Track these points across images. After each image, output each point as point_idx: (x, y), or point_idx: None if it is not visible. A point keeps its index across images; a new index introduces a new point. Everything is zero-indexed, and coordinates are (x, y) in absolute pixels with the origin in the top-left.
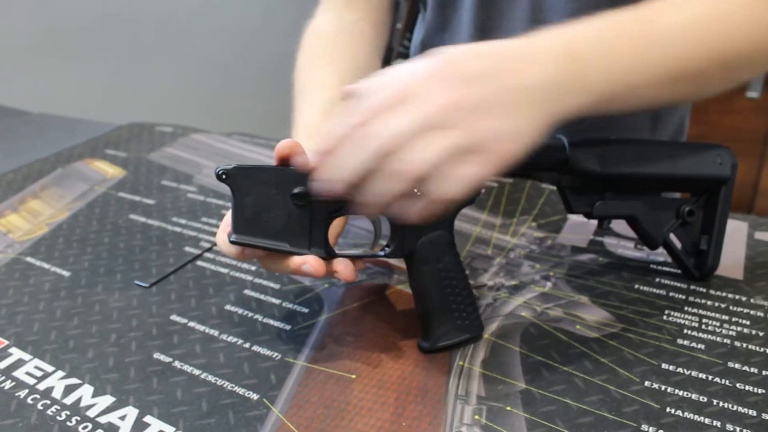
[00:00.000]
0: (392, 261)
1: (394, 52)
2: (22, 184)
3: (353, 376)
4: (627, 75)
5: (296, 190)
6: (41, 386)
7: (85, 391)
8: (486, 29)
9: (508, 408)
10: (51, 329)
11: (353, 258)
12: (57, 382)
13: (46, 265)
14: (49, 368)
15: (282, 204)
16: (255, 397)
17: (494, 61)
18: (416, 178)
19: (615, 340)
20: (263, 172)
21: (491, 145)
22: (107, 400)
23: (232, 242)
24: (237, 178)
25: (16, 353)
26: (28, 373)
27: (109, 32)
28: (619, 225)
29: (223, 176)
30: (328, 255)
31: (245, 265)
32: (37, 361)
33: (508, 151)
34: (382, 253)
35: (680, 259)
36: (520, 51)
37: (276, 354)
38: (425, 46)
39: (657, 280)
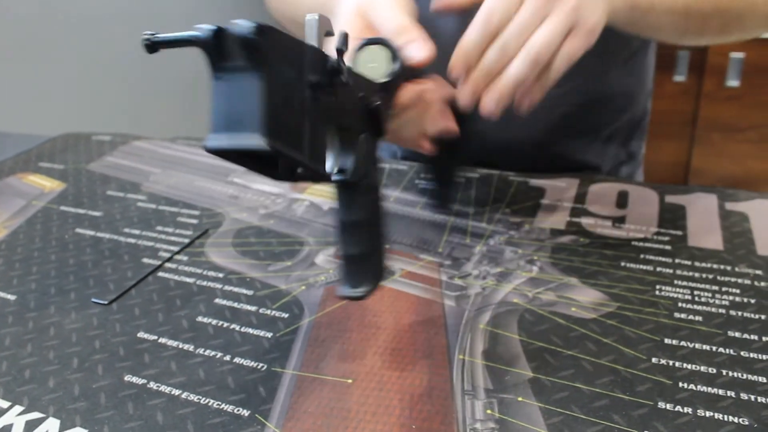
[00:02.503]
0: None
1: None
2: None
3: (350, 381)
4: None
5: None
6: None
7: (51, 426)
8: None
9: (520, 399)
10: (1, 360)
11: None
12: (16, 419)
13: None
14: (4, 404)
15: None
16: (246, 413)
17: None
18: (541, 61)
19: (613, 319)
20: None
21: (585, 21)
22: None
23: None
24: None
25: None
26: None
27: (25, 39)
28: (595, 205)
29: (254, 36)
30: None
31: (212, 273)
32: None
33: (597, 25)
34: (339, 178)
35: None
36: None
37: (261, 365)
38: None
39: (642, 256)
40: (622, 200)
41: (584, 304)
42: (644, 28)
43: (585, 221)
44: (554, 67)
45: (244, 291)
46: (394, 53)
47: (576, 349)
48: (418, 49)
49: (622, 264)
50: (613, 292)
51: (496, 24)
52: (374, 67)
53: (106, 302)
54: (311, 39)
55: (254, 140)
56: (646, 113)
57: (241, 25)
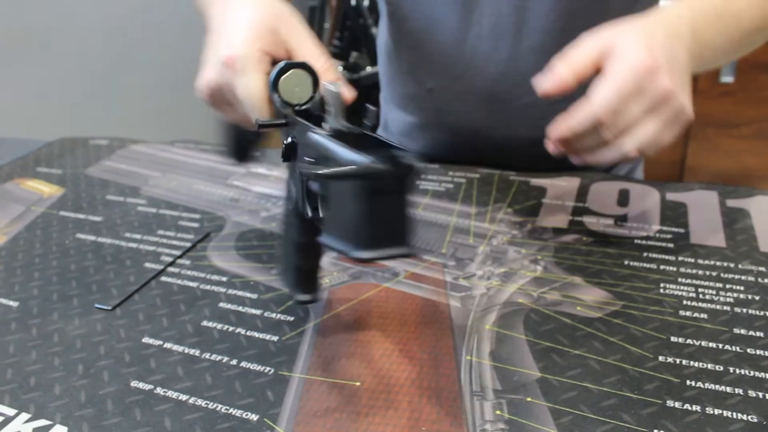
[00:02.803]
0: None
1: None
2: None
3: (358, 383)
4: (720, 43)
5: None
6: None
7: None
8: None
9: (529, 399)
10: (5, 367)
11: None
12: (22, 426)
13: None
14: (10, 411)
15: None
16: (254, 417)
17: (672, 46)
18: (642, 151)
19: (619, 318)
20: None
21: (682, 116)
22: None
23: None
24: None
25: None
26: None
27: (22, 45)
28: (597, 203)
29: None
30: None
31: (215, 277)
32: None
33: (690, 117)
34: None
35: None
36: (673, 32)
37: (268, 368)
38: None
39: (645, 254)
40: (623, 198)
41: (589, 303)
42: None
43: (587, 220)
44: (645, 151)
45: (249, 294)
46: (316, 80)
47: (583, 348)
48: (348, 90)
49: (626, 262)
50: (617, 291)
51: (610, 115)
52: (297, 91)
53: (109, 308)
54: (334, 110)
55: (403, 250)
56: None
57: (407, 157)
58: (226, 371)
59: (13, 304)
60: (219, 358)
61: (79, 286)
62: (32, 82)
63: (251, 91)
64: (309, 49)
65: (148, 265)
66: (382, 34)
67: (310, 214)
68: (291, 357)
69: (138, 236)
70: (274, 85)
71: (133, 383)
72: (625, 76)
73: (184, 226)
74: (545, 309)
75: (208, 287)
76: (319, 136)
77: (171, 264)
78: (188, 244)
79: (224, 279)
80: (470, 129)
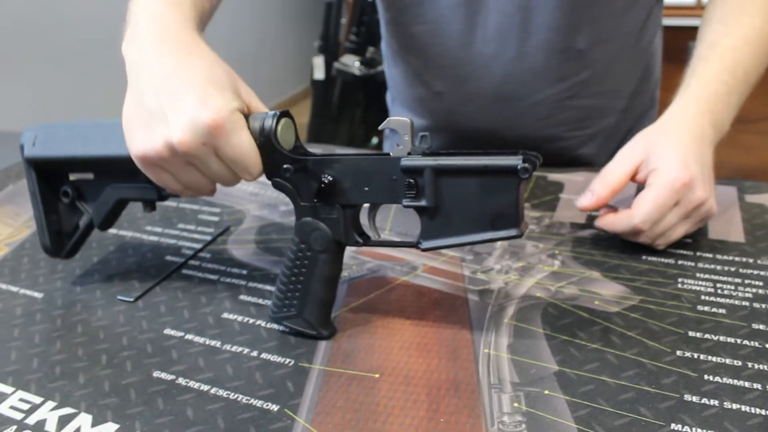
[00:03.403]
0: (393, 252)
1: (341, 46)
2: None
3: (377, 375)
4: (735, 112)
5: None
6: (31, 420)
7: (84, 421)
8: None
9: (546, 392)
10: (31, 357)
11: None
12: (49, 414)
13: (13, 288)
14: (37, 399)
15: None
16: (275, 408)
17: (701, 152)
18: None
19: (636, 312)
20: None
21: (709, 214)
22: (110, 427)
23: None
24: None
25: None
26: (13, 407)
27: (35, 39)
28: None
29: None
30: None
31: (235, 270)
32: (21, 393)
33: (713, 213)
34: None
35: None
36: (699, 136)
37: (288, 360)
38: (398, 26)
39: (663, 249)
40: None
41: (607, 298)
42: None
43: None
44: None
45: (269, 287)
46: (296, 129)
47: (600, 342)
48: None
49: (644, 257)
50: (635, 286)
51: (649, 224)
52: (288, 137)
53: (131, 299)
54: (408, 137)
55: (513, 232)
56: (655, 102)
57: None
58: (246, 362)
59: (38, 295)
60: (240, 349)
61: (102, 278)
62: (58, 77)
63: (245, 149)
64: (256, 101)
65: (169, 258)
66: (385, 38)
67: (358, 239)
68: (311, 349)
69: (159, 230)
70: (274, 136)
71: (156, 373)
72: (665, 192)
73: (205, 219)
74: (563, 303)
75: (228, 280)
76: (431, 160)
77: (192, 257)
78: (208, 238)
79: (244, 272)
80: (481, 130)
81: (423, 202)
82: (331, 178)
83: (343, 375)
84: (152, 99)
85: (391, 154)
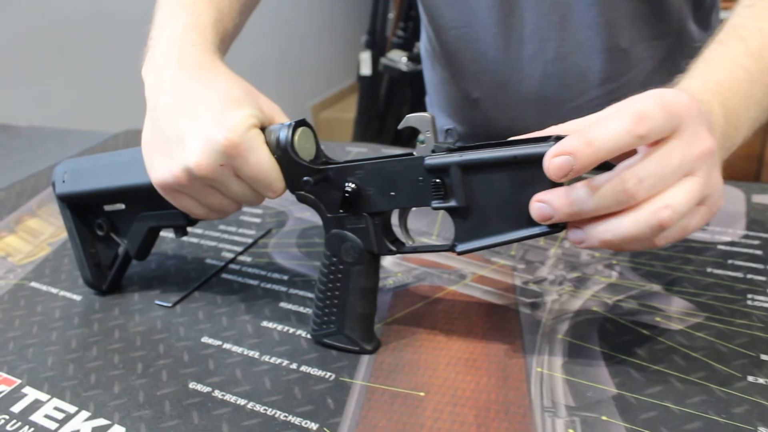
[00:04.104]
0: (441, 259)
1: (388, 41)
2: (17, 202)
3: (422, 394)
4: (755, 113)
5: None
6: (65, 430)
7: None
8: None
9: (604, 418)
10: (68, 362)
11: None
12: (82, 425)
13: (53, 290)
14: (71, 408)
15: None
16: (314, 426)
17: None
18: (666, 227)
19: (702, 331)
20: None
21: (714, 199)
22: None
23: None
24: None
25: (31, 393)
26: (47, 416)
27: (90, 38)
28: None
29: None
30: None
31: (276, 275)
32: (56, 401)
33: (719, 206)
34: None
35: None
36: (705, 110)
37: (329, 374)
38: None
39: (729, 261)
40: None
41: (669, 314)
42: None
43: None
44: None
45: (310, 295)
46: (316, 137)
47: (663, 363)
48: None
49: (709, 270)
50: (699, 301)
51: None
52: (307, 147)
53: (170, 305)
54: (431, 134)
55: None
56: None
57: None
58: (285, 375)
59: (77, 297)
60: (279, 361)
61: (140, 281)
62: (99, 75)
63: (264, 167)
64: (280, 115)
65: (209, 261)
66: (422, 40)
67: (391, 248)
68: (353, 362)
69: (199, 231)
70: (291, 147)
71: (192, 385)
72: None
73: (246, 221)
74: (621, 319)
75: (269, 286)
76: (456, 156)
77: (232, 261)
78: (249, 240)
79: (285, 278)
80: None
81: (453, 203)
82: (354, 186)
83: (386, 392)
84: (169, 125)
85: (414, 153)
